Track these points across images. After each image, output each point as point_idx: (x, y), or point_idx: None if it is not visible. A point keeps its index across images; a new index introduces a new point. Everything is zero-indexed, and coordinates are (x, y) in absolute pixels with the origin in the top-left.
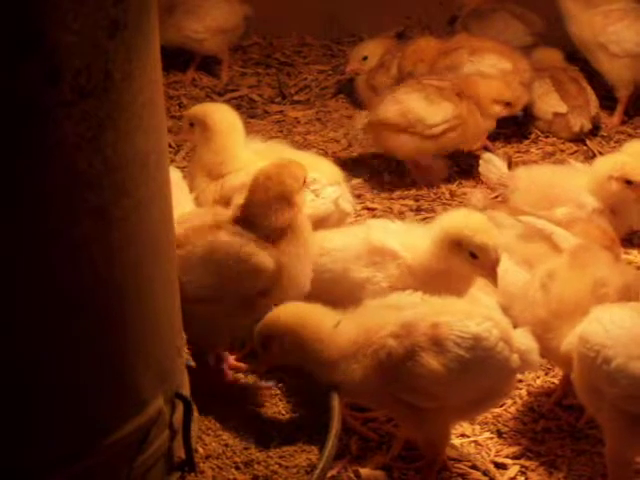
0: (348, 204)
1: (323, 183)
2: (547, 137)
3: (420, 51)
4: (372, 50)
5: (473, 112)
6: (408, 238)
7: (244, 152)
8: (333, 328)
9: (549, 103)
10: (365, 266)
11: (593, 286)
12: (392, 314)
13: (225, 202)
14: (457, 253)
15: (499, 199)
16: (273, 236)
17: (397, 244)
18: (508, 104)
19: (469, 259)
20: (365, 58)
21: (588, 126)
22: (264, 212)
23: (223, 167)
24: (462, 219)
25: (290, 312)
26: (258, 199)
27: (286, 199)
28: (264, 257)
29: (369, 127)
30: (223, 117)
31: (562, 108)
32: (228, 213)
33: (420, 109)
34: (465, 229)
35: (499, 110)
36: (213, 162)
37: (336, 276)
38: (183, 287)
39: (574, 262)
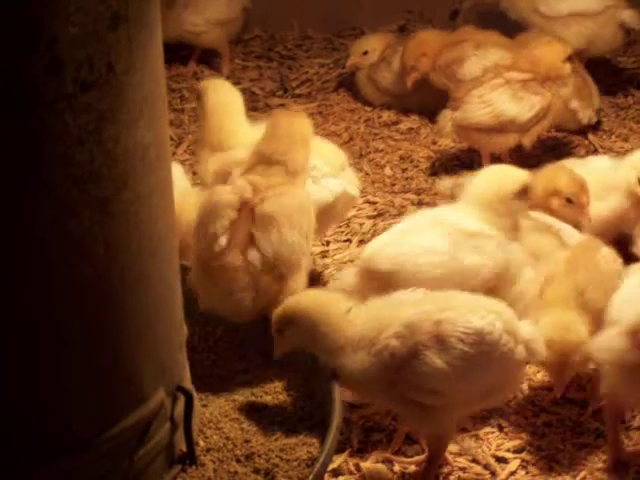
0: (355, 188)
1: (323, 172)
2: (548, 131)
3: (422, 45)
4: (373, 45)
5: (557, 92)
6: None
7: (243, 128)
8: (344, 314)
9: None
10: (473, 252)
11: (576, 292)
12: (398, 312)
13: (224, 176)
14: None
15: None
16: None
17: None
18: (570, 58)
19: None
20: (366, 53)
21: (594, 119)
22: (292, 151)
23: (222, 144)
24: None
25: (303, 298)
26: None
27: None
28: None
29: (457, 129)
30: (218, 96)
31: (574, 104)
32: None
33: (511, 110)
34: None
35: (569, 68)
36: (211, 139)
37: (447, 271)
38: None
39: (568, 267)
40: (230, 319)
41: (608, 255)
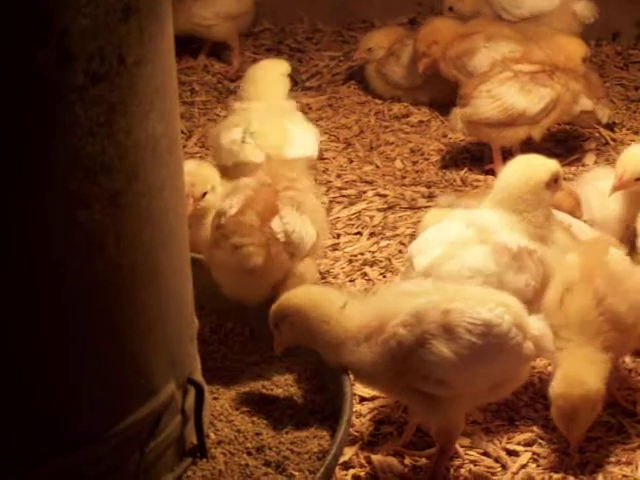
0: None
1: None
2: (559, 124)
3: (434, 33)
4: (377, 41)
5: (567, 84)
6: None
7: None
8: (340, 309)
9: None
10: (518, 274)
11: (596, 301)
12: (406, 301)
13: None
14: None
15: None
16: None
17: (524, 240)
18: (585, 59)
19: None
20: (370, 49)
21: (613, 117)
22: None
23: None
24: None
25: (299, 293)
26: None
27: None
28: None
29: (468, 125)
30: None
31: (588, 105)
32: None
33: (519, 103)
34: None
35: (583, 67)
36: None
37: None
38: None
39: (583, 273)
40: (240, 295)
41: (617, 256)
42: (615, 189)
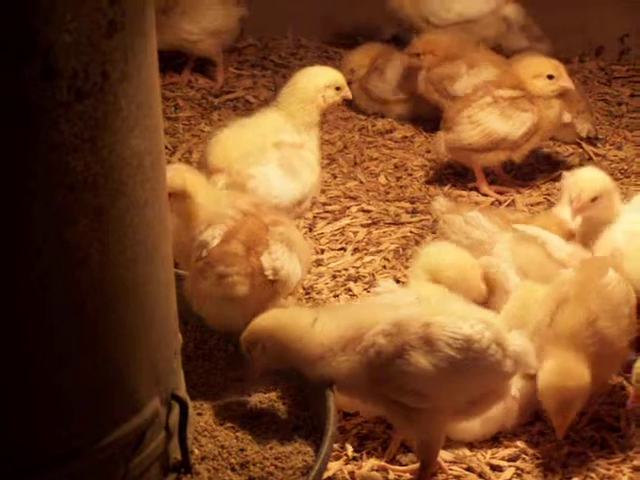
0: None
1: None
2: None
3: (434, 43)
4: (358, 61)
5: (546, 108)
6: None
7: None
8: (310, 326)
9: None
10: None
11: (587, 322)
12: (385, 312)
13: None
14: None
15: None
16: None
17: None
18: (550, 77)
19: None
20: (352, 70)
21: (593, 131)
22: None
23: None
24: None
25: (267, 317)
26: None
27: None
28: None
29: (451, 150)
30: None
31: (566, 117)
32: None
33: (501, 128)
34: None
35: (542, 85)
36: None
37: None
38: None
39: (578, 291)
40: (222, 325)
41: (615, 279)
42: (576, 213)
